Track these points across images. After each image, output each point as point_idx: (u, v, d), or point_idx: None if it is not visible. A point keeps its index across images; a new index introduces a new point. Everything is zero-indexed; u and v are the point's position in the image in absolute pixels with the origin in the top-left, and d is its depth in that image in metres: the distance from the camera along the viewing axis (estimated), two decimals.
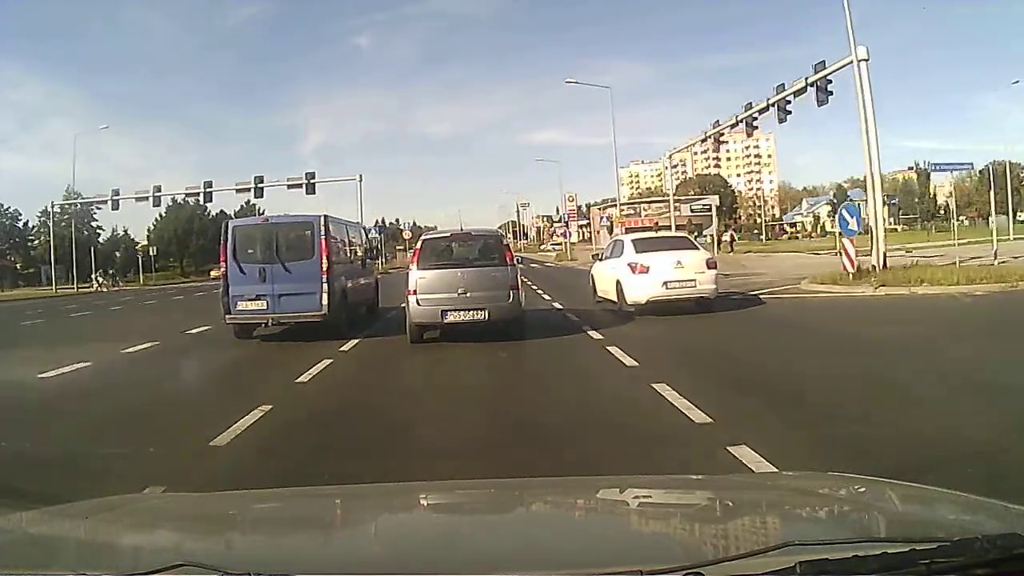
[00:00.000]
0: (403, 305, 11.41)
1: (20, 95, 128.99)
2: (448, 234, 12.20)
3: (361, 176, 43.37)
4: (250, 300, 12.06)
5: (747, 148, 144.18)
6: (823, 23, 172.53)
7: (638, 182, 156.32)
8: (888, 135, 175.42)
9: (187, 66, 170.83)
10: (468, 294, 10.57)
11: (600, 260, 16.36)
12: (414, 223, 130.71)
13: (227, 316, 12.26)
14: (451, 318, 10.58)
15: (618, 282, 14.00)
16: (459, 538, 1.81)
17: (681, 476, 3.41)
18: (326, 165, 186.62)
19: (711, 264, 13.70)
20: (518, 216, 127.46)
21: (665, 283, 13.13)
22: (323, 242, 12.21)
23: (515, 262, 11.28)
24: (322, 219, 12.52)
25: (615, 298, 14.20)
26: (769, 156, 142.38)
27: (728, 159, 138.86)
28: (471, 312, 10.55)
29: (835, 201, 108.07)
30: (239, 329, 12.56)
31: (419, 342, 10.89)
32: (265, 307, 12.05)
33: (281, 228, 12.76)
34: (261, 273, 12.09)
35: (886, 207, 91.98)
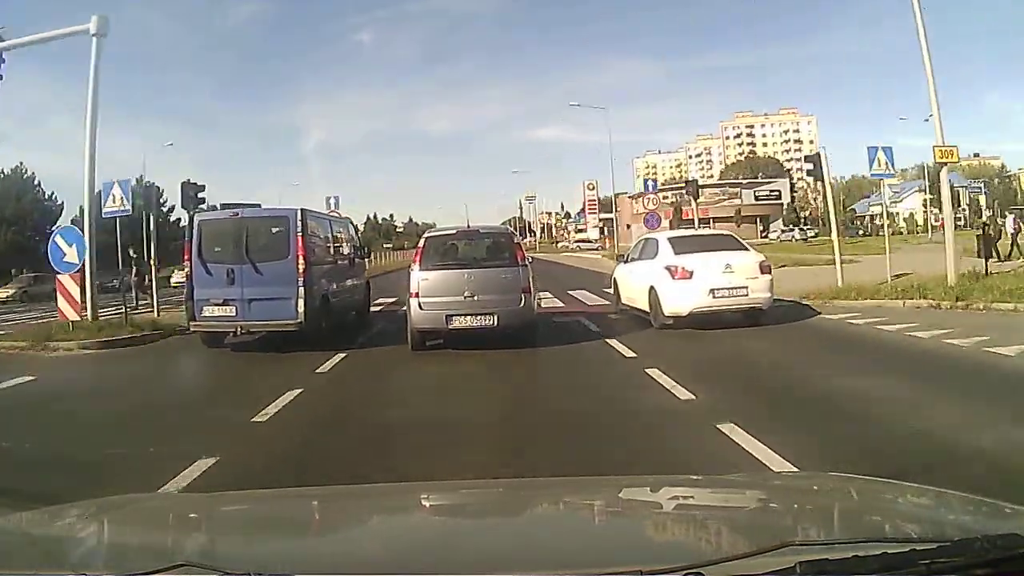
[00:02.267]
0: (404, 310, 10.54)
1: (22, 92, 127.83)
2: (454, 231, 11.47)
3: (98, 25, 14.81)
4: (217, 305, 10.76)
5: (786, 132, 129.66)
6: (823, 22, 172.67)
7: (655, 174, 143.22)
8: (892, 134, 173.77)
9: (187, 64, 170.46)
10: (475, 297, 9.79)
11: (625, 262, 14.04)
12: (410, 219, 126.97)
13: (192, 323, 11.11)
14: (456, 323, 9.76)
15: (652, 289, 11.74)
16: (459, 538, 1.81)
17: (681, 476, 3.40)
18: (326, 163, 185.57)
19: (764, 268, 11.60)
20: (521, 211, 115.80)
21: (712, 291, 11.10)
22: (299, 239, 10.78)
23: (527, 262, 10.49)
24: (299, 213, 11.11)
25: (645, 307, 12.09)
26: (811, 141, 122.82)
27: (764, 144, 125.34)
28: (478, 317, 9.76)
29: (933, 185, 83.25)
30: (207, 337, 11.29)
31: (421, 349, 10.05)
32: (234, 314, 10.69)
33: (252, 223, 11.34)
34: (229, 275, 10.76)
35: (982, 196, 69.45)
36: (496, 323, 9.79)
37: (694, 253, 11.61)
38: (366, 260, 16.16)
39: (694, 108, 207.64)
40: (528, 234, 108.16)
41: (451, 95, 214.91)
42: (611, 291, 14.47)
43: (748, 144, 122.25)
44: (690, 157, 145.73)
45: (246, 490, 3.63)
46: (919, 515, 1.80)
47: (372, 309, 15.45)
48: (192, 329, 11.24)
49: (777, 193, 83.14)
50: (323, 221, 13.01)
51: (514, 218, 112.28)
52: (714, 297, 11.15)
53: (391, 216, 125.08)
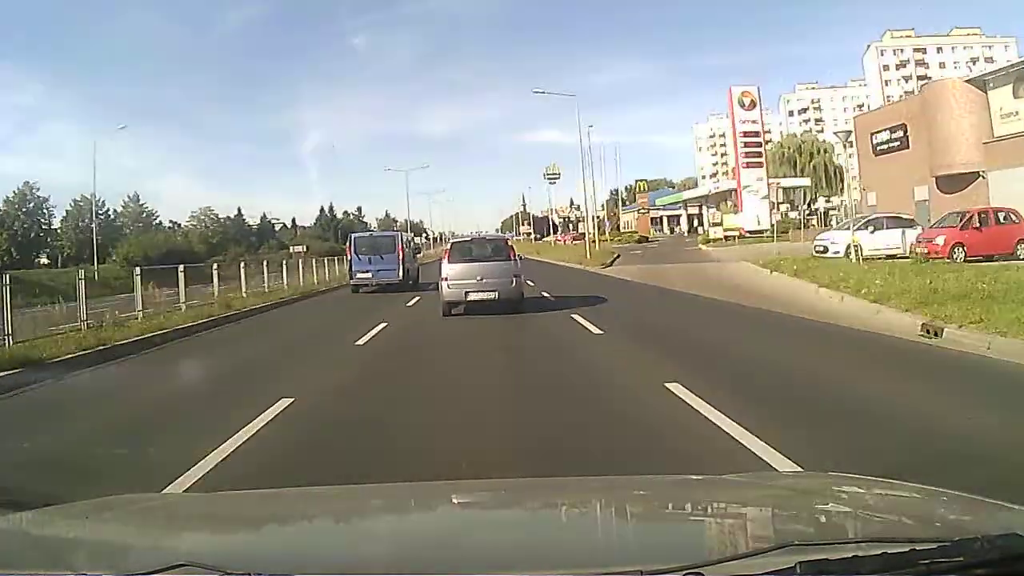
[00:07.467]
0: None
1: (19, 97, 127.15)
2: (470, 239, 17.89)
3: None
4: (362, 273, 24.72)
5: (973, 61, 78.07)
6: (821, 18, 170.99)
7: (723, 143, 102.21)
8: None
9: (185, 67, 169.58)
10: (483, 280, 14.85)
11: None
12: (386, 214, 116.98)
13: (351, 280, 24.99)
14: (472, 296, 14.80)
15: None
16: (459, 538, 1.81)
17: (681, 476, 3.41)
18: (325, 164, 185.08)
19: None
20: (524, 206, 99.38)
21: None
22: (400, 245, 25.52)
23: (517, 258, 15.61)
24: (400, 234, 27.38)
25: None
26: None
27: (930, 87, 63.91)
28: (486, 293, 14.77)
29: None
30: (355, 287, 24.70)
31: (448, 315, 14.89)
32: (370, 277, 24.60)
33: (379, 238, 26.88)
34: (370, 260, 24.75)
35: None
36: (497, 297, 14.80)
37: None
38: (417, 255, 33.15)
39: (693, 107, 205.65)
40: (550, 230, 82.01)
41: (448, 97, 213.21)
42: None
43: (919, 76, 77.12)
44: (791, 114, 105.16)
45: (246, 490, 3.64)
46: (919, 515, 1.79)
47: None
48: (351, 283, 25.03)
49: None
50: (406, 236, 29.21)
51: (514, 215, 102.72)
52: None
53: (359, 210, 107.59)
